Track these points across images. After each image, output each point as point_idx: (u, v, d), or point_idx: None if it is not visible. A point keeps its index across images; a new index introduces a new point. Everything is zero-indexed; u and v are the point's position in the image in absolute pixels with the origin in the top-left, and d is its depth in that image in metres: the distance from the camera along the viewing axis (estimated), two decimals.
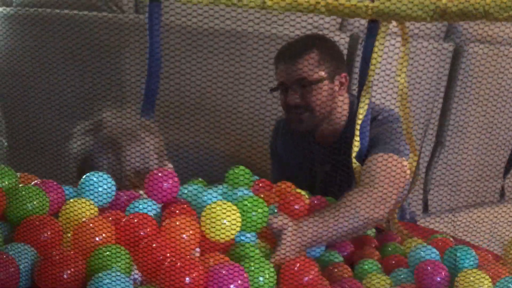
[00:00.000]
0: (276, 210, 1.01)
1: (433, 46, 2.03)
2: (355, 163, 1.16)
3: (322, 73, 1.28)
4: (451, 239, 1.05)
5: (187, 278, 0.70)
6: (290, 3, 1.08)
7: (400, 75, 1.10)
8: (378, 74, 1.13)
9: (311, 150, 1.45)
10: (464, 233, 1.04)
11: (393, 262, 0.97)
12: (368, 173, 1.11)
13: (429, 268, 0.87)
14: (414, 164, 1.18)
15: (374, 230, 1.15)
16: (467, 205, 2.33)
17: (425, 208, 2.21)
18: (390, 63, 1.16)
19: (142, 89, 1.19)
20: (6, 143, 2.06)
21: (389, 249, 1.05)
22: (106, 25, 1.59)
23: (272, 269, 0.78)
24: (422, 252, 0.91)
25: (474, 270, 0.84)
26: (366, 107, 1.18)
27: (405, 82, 1.09)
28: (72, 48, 1.66)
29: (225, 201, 0.84)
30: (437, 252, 0.92)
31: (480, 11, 0.92)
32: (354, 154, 1.17)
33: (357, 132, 1.18)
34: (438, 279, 0.86)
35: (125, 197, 0.90)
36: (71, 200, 0.83)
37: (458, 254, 0.87)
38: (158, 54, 1.14)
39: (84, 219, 0.78)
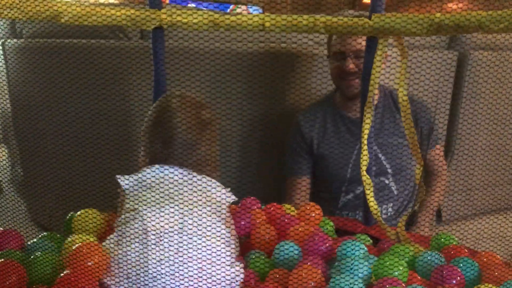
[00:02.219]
0: None
1: (437, 55, 2.05)
2: (364, 177, 1.19)
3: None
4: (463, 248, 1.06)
5: None
6: (289, 24, 1.11)
7: (400, 88, 1.12)
8: None
9: (350, 122, 1.59)
10: (473, 241, 1.05)
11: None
12: (437, 165, 1.65)
13: (444, 272, 0.91)
14: (420, 173, 1.19)
15: (370, 239, 1.17)
16: (480, 212, 2.32)
17: (439, 217, 2.21)
18: None
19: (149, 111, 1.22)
20: (21, 172, 2.11)
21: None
22: (114, 52, 1.63)
23: None
24: (429, 257, 0.93)
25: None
26: (370, 122, 1.20)
27: (404, 95, 1.11)
28: (82, 76, 1.70)
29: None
30: (443, 259, 0.94)
31: (475, 23, 0.94)
32: (364, 168, 1.20)
33: (365, 147, 1.19)
34: (454, 282, 0.90)
35: None
36: None
37: (461, 265, 0.88)
38: (163, 76, 1.18)
39: None
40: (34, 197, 1.99)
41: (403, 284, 0.86)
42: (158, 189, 0.90)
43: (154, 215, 0.86)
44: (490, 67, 2.04)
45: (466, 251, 1.02)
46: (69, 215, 1.16)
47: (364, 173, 1.21)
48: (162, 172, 0.92)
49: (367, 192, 1.22)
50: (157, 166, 0.93)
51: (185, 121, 0.94)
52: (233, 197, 0.97)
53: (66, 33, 1.75)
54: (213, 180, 0.95)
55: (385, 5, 1.18)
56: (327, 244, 1.02)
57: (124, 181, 0.94)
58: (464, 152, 2.14)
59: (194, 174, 0.93)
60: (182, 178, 0.92)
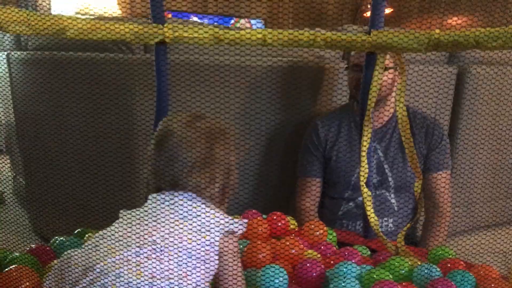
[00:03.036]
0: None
1: (437, 70, 2.07)
2: (364, 190, 1.21)
3: (391, 62, 1.50)
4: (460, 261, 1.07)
5: None
6: (289, 40, 1.13)
7: (398, 104, 1.14)
8: None
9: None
10: (472, 256, 1.06)
11: None
12: (441, 196, 1.61)
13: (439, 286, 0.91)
14: (419, 188, 1.21)
15: (369, 251, 1.17)
16: (480, 226, 2.33)
17: None
18: None
19: (152, 124, 1.24)
20: (23, 182, 2.12)
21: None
22: (117, 65, 1.65)
23: None
24: (426, 270, 0.94)
25: None
26: (369, 135, 1.22)
27: (403, 110, 1.13)
28: (85, 89, 1.72)
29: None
30: (440, 272, 0.95)
31: (471, 41, 0.96)
32: (363, 182, 1.22)
33: (364, 159, 1.21)
34: None
35: None
36: None
37: (458, 279, 0.89)
38: (166, 90, 1.20)
39: None
40: (36, 208, 2.00)
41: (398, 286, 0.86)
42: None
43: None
44: (490, 81, 2.06)
45: (463, 264, 1.03)
46: (78, 230, 1.18)
47: (364, 185, 1.23)
48: (155, 205, 0.87)
49: (367, 204, 1.23)
50: (149, 202, 0.89)
51: (185, 136, 0.89)
52: (241, 227, 0.89)
53: (70, 46, 1.77)
54: (215, 212, 0.88)
55: (385, 20, 1.21)
56: (318, 271, 1.02)
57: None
58: (464, 167, 2.15)
59: (193, 202, 0.87)
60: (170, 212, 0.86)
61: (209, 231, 0.85)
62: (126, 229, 0.83)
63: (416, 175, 1.18)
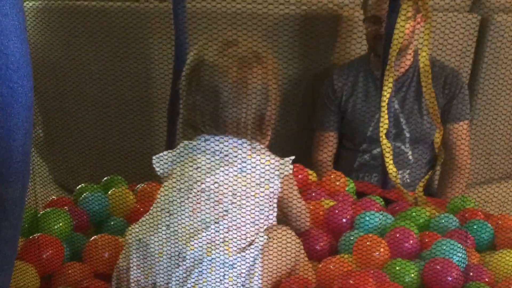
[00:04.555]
0: None
1: (459, 18, 2.01)
2: (384, 141, 1.20)
3: (412, 11, 1.43)
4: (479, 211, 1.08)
5: None
6: None
7: (422, 52, 1.11)
8: None
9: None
10: (489, 206, 1.06)
11: None
12: (459, 148, 1.60)
13: (438, 266, 0.84)
14: (440, 139, 1.19)
15: (382, 201, 1.18)
16: (502, 177, 2.31)
17: None
18: None
19: (171, 74, 1.23)
20: (42, 133, 2.14)
21: None
22: (132, 14, 1.63)
23: None
24: (443, 220, 0.95)
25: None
26: (390, 85, 1.19)
27: (426, 59, 1.10)
28: (101, 38, 1.71)
29: None
30: (457, 221, 0.96)
31: None
32: (383, 133, 1.21)
33: (385, 110, 1.20)
34: (450, 278, 0.83)
35: None
36: None
37: (475, 227, 0.90)
38: (185, 40, 1.18)
39: None
40: (56, 158, 2.02)
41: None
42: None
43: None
44: None
45: (481, 214, 1.03)
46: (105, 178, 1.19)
47: (384, 137, 1.21)
48: (198, 147, 0.81)
49: (386, 155, 1.23)
50: (186, 142, 0.83)
51: (216, 64, 0.80)
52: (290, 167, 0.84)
53: None
54: (270, 158, 0.83)
55: None
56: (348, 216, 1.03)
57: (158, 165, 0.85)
58: (485, 117, 2.12)
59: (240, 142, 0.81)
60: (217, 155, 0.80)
61: (269, 180, 0.80)
62: (186, 200, 0.77)
63: (437, 126, 1.17)
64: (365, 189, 1.34)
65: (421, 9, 1.12)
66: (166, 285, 0.74)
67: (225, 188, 0.78)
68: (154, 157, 0.85)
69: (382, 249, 0.87)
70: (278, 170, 0.82)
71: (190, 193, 0.78)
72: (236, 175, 0.79)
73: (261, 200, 0.79)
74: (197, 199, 0.77)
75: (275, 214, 0.83)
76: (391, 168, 1.23)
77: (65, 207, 0.98)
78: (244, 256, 0.75)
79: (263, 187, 0.80)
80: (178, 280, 0.73)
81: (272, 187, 0.81)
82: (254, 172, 0.80)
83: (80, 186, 1.11)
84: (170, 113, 1.24)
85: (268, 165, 0.81)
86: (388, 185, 1.33)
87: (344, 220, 0.99)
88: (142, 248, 0.77)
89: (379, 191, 1.32)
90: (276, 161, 0.83)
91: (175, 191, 0.79)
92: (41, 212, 0.94)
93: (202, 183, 0.78)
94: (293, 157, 0.85)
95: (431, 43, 1.72)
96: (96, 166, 1.83)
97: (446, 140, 1.59)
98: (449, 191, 1.61)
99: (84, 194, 1.05)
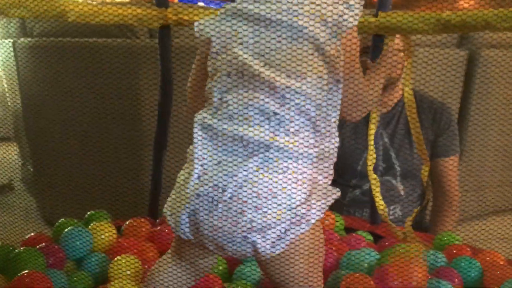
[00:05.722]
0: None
1: (448, 53, 2.03)
2: (372, 176, 1.19)
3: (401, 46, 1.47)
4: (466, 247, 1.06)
5: None
6: None
7: (406, 87, 1.11)
8: None
9: None
10: (479, 242, 1.05)
11: None
12: (449, 182, 1.57)
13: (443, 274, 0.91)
14: (426, 173, 1.19)
15: (371, 237, 1.17)
16: (492, 211, 2.30)
17: None
18: None
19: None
20: (31, 169, 2.13)
21: None
22: (123, 51, 1.64)
23: None
24: (431, 257, 0.94)
25: None
26: (376, 120, 1.20)
27: (410, 94, 1.10)
28: (91, 74, 1.72)
29: None
30: (445, 260, 0.94)
31: (481, 22, 0.93)
32: (370, 167, 1.20)
33: (372, 144, 1.19)
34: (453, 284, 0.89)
35: None
36: None
37: (463, 264, 0.88)
38: (170, 75, 1.19)
39: None
40: (44, 195, 2.01)
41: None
42: None
43: None
44: (501, 65, 2.02)
45: (469, 250, 1.01)
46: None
47: (371, 171, 1.21)
48: None
49: (375, 190, 1.22)
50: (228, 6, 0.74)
51: None
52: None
53: (76, 32, 1.76)
54: None
55: (394, 7, 1.18)
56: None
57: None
58: (474, 152, 2.12)
59: None
60: None
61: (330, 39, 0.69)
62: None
63: (423, 160, 1.16)
64: (354, 224, 1.32)
65: (404, 45, 1.13)
66: (228, 163, 0.69)
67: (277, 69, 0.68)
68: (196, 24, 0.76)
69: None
70: (336, 25, 0.70)
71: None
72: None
73: (320, 71, 0.69)
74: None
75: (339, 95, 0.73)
76: (379, 202, 1.22)
77: (42, 244, 0.96)
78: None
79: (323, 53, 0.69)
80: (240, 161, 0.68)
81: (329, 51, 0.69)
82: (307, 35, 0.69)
83: (60, 221, 1.09)
84: (156, 147, 1.24)
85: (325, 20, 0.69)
86: (377, 220, 1.32)
87: (328, 261, 0.97)
88: (207, 131, 0.71)
89: (368, 226, 1.30)
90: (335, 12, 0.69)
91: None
92: (15, 251, 0.92)
93: (250, 67, 0.69)
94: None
95: (421, 78, 1.75)
96: (83, 203, 1.81)
97: (436, 174, 1.59)
98: (440, 225, 1.60)
99: (67, 229, 1.04)
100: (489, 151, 2.15)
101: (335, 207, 1.33)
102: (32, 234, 1.02)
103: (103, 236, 1.02)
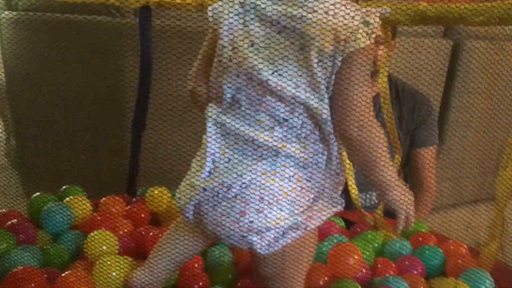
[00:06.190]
0: None
1: (433, 43, 2.05)
2: (346, 162, 1.21)
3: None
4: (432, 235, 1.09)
5: None
6: None
7: (380, 76, 1.13)
8: None
9: None
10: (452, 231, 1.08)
11: None
12: (426, 172, 1.58)
13: (407, 262, 0.94)
14: (398, 163, 1.21)
15: (343, 222, 1.19)
16: (471, 201, 2.34)
17: None
18: None
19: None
20: (14, 142, 2.13)
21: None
22: (106, 28, 1.64)
23: None
24: (397, 245, 0.96)
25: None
26: None
27: (385, 85, 1.12)
28: (76, 51, 1.71)
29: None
30: (410, 247, 0.97)
31: (456, 15, 0.94)
32: (344, 154, 1.22)
33: None
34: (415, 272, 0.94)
35: None
36: None
37: (427, 254, 0.91)
38: (149, 56, 1.19)
39: None
40: (26, 169, 2.01)
41: None
42: None
43: None
44: (485, 56, 2.04)
45: (434, 238, 1.04)
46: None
47: (346, 158, 1.23)
48: None
49: (348, 177, 1.24)
50: None
51: None
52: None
53: (60, 7, 1.75)
54: None
55: None
56: None
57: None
58: (455, 140, 2.15)
59: None
60: None
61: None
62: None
63: (396, 149, 1.18)
64: None
65: (383, 35, 1.14)
66: (237, 163, 0.70)
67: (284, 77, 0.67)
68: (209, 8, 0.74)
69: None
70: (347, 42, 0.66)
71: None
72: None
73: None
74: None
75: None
76: (352, 189, 1.24)
77: (13, 221, 0.97)
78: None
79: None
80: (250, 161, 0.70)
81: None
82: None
83: (34, 195, 1.10)
84: (135, 127, 1.25)
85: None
86: (351, 206, 1.34)
87: None
88: (220, 127, 0.72)
89: (341, 212, 1.32)
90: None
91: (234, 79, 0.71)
92: None
93: (258, 73, 0.68)
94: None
95: (405, 67, 1.76)
96: (64, 179, 1.82)
97: (414, 163, 1.61)
98: (415, 213, 1.62)
99: (48, 205, 1.04)
100: (469, 142, 2.17)
101: None
102: (3, 210, 1.03)
103: (78, 211, 1.04)
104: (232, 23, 0.70)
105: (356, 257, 0.88)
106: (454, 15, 0.95)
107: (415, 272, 0.92)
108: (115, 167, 1.48)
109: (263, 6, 0.69)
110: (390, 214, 1.62)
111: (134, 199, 1.21)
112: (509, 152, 0.86)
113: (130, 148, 1.25)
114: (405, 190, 0.78)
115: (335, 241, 1.03)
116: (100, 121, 1.67)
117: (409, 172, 1.68)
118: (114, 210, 1.10)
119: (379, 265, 0.94)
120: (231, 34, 0.70)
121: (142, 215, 1.10)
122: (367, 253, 0.95)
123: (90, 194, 1.18)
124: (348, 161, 1.23)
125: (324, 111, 0.68)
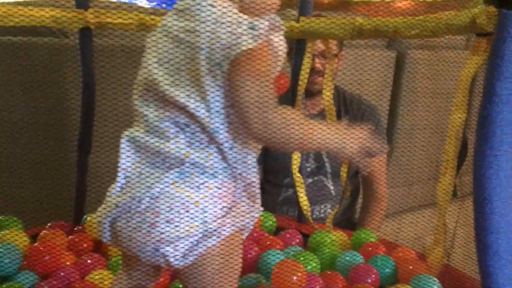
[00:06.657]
0: None
1: (378, 54, 2.10)
2: (296, 175, 1.23)
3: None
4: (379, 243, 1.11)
5: None
6: None
7: (325, 89, 1.15)
8: None
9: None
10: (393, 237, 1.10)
11: None
12: (378, 180, 1.64)
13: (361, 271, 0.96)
14: (345, 172, 1.23)
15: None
16: (421, 205, 2.40)
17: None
18: None
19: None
20: None
21: None
22: (50, 50, 1.60)
23: None
24: (348, 257, 0.97)
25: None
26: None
27: (330, 98, 1.14)
28: (19, 73, 1.66)
29: None
30: (361, 257, 0.98)
31: (391, 29, 0.97)
32: (295, 167, 1.23)
33: None
34: (369, 280, 0.96)
35: None
36: None
37: (379, 263, 0.92)
38: (92, 77, 1.17)
39: None
40: None
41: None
42: None
43: None
44: (427, 65, 2.11)
45: (383, 248, 1.06)
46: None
47: (296, 172, 1.24)
48: None
49: (299, 190, 1.25)
50: None
51: None
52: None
53: (3, 28, 1.70)
54: None
55: (334, 4, 1.21)
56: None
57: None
58: (404, 146, 2.21)
59: None
60: None
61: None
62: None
63: (342, 160, 1.20)
64: (282, 223, 1.35)
65: (326, 49, 1.17)
66: (148, 176, 0.70)
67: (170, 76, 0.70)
68: None
69: None
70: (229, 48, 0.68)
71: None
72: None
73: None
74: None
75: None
76: (303, 202, 1.25)
77: None
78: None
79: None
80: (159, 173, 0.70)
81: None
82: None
83: None
84: (80, 151, 1.22)
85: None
86: (305, 219, 1.35)
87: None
88: (134, 142, 0.73)
89: (295, 225, 1.33)
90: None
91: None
92: None
93: (159, 86, 0.71)
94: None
95: (352, 79, 1.80)
96: (5, 207, 1.76)
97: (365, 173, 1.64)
98: (367, 222, 1.65)
99: None
100: (417, 148, 2.24)
101: (268, 206, 1.36)
102: None
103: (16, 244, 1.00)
104: (149, 43, 0.75)
105: (299, 274, 0.89)
106: (389, 29, 0.98)
107: (369, 281, 0.93)
108: (60, 193, 1.44)
109: (169, 24, 0.72)
110: (352, 222, 1.66)
111: (76, 228, 1.19)
112: (447, 158, 0.89)
113: (76, 173, 1.22)
114: (352, 133, 0.81)
115: (291, 253, 1.03)
116: (43, 145, 1.62)
117: (361, 181, 1.71)
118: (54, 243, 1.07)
119: (329, 279, 0.95)
120: (147, 54, 0.75)
121: (85, 245, 1.08)
122: (313, 264, 0.96)
123: (34, 223, 1.14)
124: (298, 175, 1.25)
125: (212, 121, 0.69)
